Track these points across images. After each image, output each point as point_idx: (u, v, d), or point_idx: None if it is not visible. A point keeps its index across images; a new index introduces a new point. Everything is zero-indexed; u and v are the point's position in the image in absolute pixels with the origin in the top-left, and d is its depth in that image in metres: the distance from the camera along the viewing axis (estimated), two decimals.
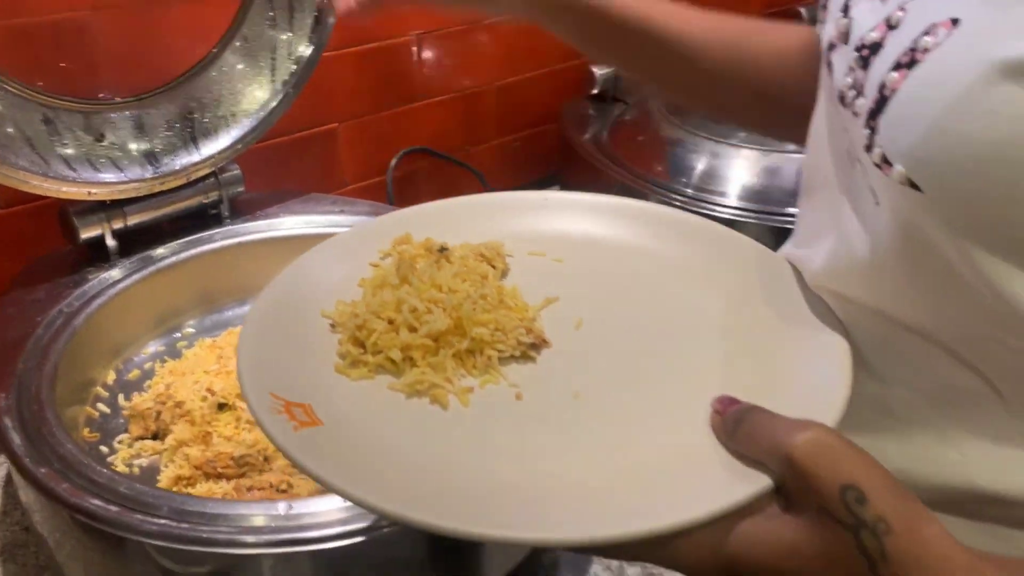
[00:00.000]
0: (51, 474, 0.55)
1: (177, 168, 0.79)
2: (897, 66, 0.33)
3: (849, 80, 0.37)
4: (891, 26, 0.35)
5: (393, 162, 1.12)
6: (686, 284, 0.47)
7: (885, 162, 0.34)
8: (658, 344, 0.44)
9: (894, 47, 0.34)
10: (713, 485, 0.34)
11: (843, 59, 0.38)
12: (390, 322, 0.42)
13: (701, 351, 0.43)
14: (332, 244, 0.50)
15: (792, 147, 0.93)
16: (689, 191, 1.00)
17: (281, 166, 1.01)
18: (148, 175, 0.77)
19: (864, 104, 0.35)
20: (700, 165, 1.01)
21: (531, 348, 0.43)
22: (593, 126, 1.18)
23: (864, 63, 0.36)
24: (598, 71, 1.20)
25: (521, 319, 0.43)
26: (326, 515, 0.52)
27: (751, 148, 0.99)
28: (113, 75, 0.80)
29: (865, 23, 0.37)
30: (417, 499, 0.33)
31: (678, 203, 0.97)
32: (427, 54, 1.10)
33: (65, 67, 0.77)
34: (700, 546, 0.33)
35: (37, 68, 0.75)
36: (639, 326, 0.45)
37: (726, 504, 0.32)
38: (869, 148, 0.35)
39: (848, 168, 0.40)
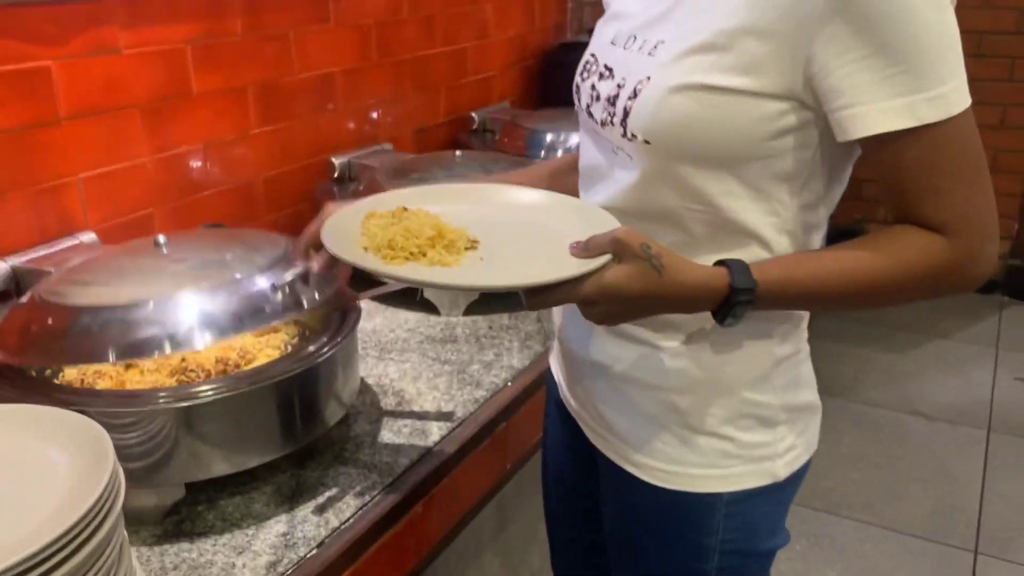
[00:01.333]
0: None
1: None
2: (631, 97, 0.82)
3: (605, 115, 0.86)
4: (619, 86, 0.85)
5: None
6: (544, 217, 0.92)
7: (634, 137, 0.82)
8: (535, 234, 0.89)
9: (624, 92, 0.83)
10: (586, 264, 0.78)
11: (598, 108, 0.88)
12: (389, 244, 0.83)
13: (556, 234, 0.85)
14: (354, 206, 0.93)
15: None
16: None
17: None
18: None
19: (617, 119, 0.84)
20: None
21: (472, 244, 0.86)
22: (338, 199, 1.68)
23: (612, 102, 0.85)
24: (336, 160, 1.71)
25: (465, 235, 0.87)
26: None
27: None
28: None
29: (604, 89, 0.87)
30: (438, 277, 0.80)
31: None
32: (214, 157, 1.56)
33: None
34: (589, 284, 0.76)
35: None
36: (520, 235, 0.89)
37: (597, 265, 0.77)
38: (624, 135, 0.83)
39: (611, 155, 0.89)
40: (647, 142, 0.81)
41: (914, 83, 0.72)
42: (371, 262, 0.81)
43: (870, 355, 3.03)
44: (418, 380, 1.29)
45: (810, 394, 0.96)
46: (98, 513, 0.68)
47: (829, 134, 0.78)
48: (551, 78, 2.47)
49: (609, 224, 0.83)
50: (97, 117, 1.34)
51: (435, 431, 1.16)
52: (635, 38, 0.86)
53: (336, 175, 1.73)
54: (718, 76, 0.77)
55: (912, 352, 3.13)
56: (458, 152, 1.75)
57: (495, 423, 1.23)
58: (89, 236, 1.31)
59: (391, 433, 1.16)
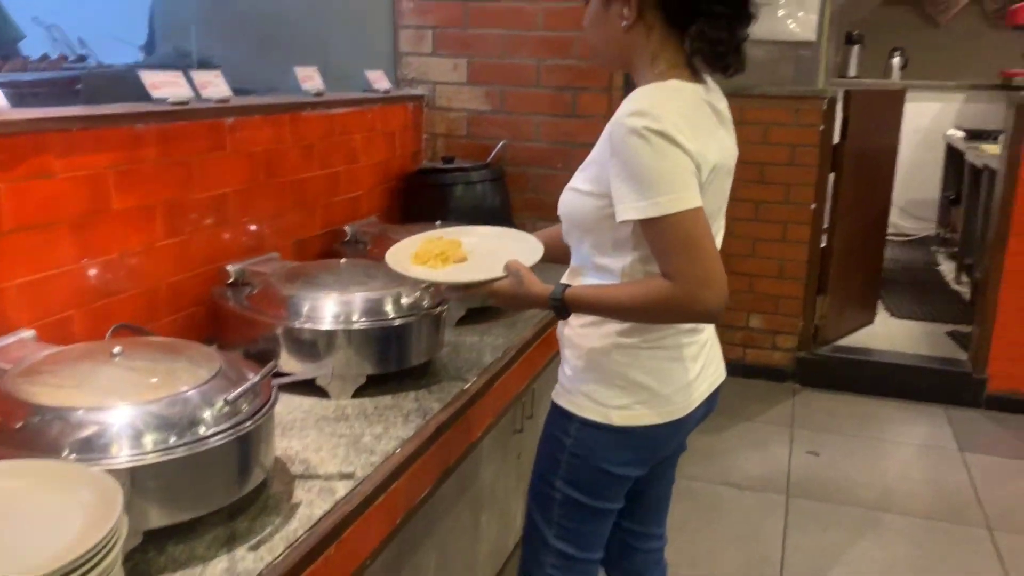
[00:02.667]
0: None
1: None
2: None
3: None
4: None
5: (108, 334, 1.74)
6: (510, 247, 1.63)
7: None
8: (497, 261, 1.55)
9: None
10: (489, 275, 1.53)
11: None
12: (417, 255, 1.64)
13: (503, 259, 1.55)
14: (407, 241, 1.72)
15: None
16: (302, 320, 1.78)
17: None
18: None
19: None
20: (306, 305, 1.80)
21: (460, 260, 1.63)
22: (234, 301, 1.92)
23: None
24: (231, 268, 1.96)
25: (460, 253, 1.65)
26: None
27: (339, 291, 1.81)
28: None
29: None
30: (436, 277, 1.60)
31: (296, 325, 1.75)
32: (126, 265, 1.77)
33: None
34: (487, 287, 1.52)
35: None
36: (493, 260, 1.57)
37: (494, 276, 1.52)
38: None
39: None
40: (559, 215, 1.51)
41: (644, 194, 1.29)
42: (402, 264, 1.61)
43: (693, 438, 3.47)
44: (320, 450, 1.54)
45: (648, 380, 1.48)
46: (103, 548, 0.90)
47: None
48: (412, 197, 2.82)
49: (534, 251, 1.60)
50: (33, 231, 1.55)
51: (340, 488, 1.41)
52: None
53: (231, 280, 1.97)
54: (579, 183, 1.45)
55: (725, 433, 3.61)
56: (343, 260, 2.04)
57: (390, 480, 1.49)
58: (29, 333, 1.50)
59: (303, 491, 1.40)
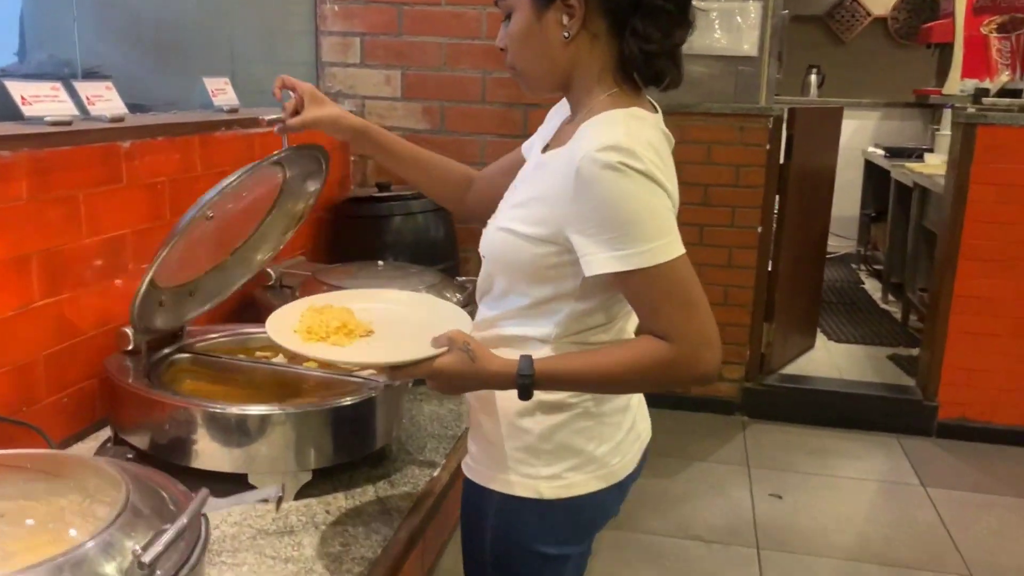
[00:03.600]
0: None
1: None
2: (485, 228, 1.25)
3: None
4: (494, 218, 1.28)
5: None
6: (426, 314, 1.33)
7: (481, 252, 1.24)
8: (411, 331, 1.23)
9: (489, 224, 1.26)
10: (428, 351, 1.15)
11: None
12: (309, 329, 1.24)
13: (424, 330, 1.19)
14: (296, 303, 1.34)
15: None
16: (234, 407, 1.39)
17: None
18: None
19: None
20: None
21: (368, 332, 1.27)
22: (133, 372, 1.51)
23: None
24: (131, 332, 1.54)
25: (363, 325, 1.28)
26: None
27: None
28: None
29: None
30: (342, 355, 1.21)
31: (218, 410, 1.36)
32: None
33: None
34: (425, 366, 1.14)
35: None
36: (404, 330, 1.27)
37: (434, 352, 1.15)
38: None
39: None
40: (484, 256, 1.24)
41: (626, 242, 1.06)
42: (292, 342, 1.21)
43: (643, 482, 3.19)
44: None
45: (582, 443, 1.22)
46: None
47: None
48: (342, 231, 2.44)
49: (462, 321, 1.28)
50: None
51: None
52: (511, 192, 1.26)
53: (130, 347, 1.56)
54: (518, 224, 1.16)
55: (678, 476, 3.34)
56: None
57: None
58: None
59: None
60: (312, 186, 1.67)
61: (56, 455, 1.08)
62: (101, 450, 1.37)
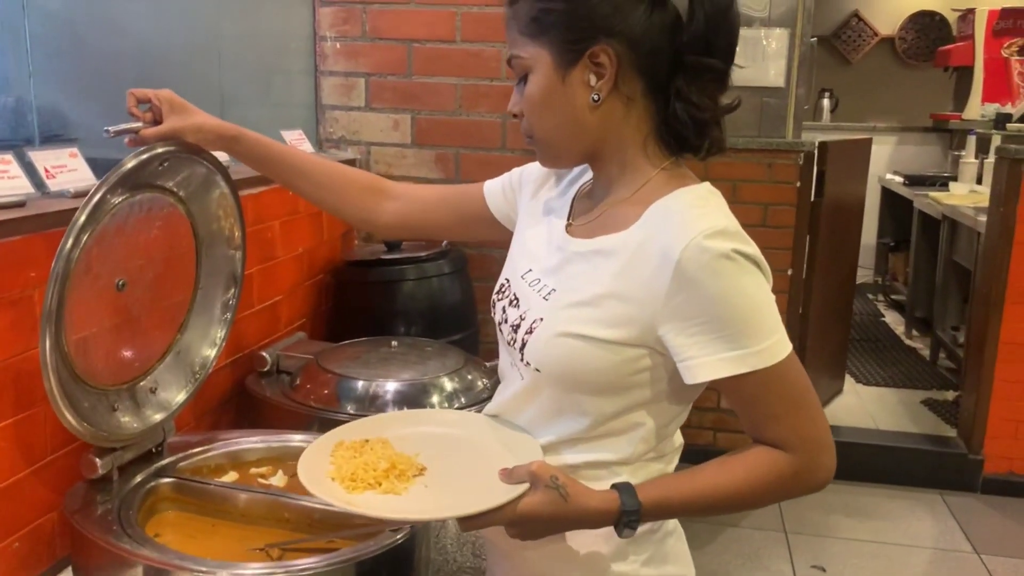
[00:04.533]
0: None
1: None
2: (528, 332, 1.03)
3: (510, 337, 1.07)
4: (521, 318, 1.05)
5: None
6: (481, 441, 1.11)
7: (528, 364, 1.03)
8: (470, 463, 1.06)
9: (524, 326, 1.04)
10: (508, 493, 0.95)
11: (506, 329, 1.08)
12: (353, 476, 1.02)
13: (485, 461, 1.03)
14: (322, 440, 1.10)
15: None
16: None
17: None
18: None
19: (517, 345, 1.05)
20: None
21: (420, 471, 1.05)
22: (101, 508, 1.23)
23: (515, 329, 1.05)
24: (99, 460, 1.26)
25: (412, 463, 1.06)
26: None
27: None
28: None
29: (511, 315, 1.07)
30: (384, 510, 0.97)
31: (205, 572, 1.09)
32: None
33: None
34: (508, 511, 0.94)
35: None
36: (461, 461, 1.09)
37: (514, 495, 0.95)
38: (521, 359, 1.04)
39: (510, 366, 1.11)
40: (538, 370, 1.03)
41: (743, 341, 0.93)
42: (336, 494, 0.99)
43: None
44: None
45: (671, 568, 1.10)
46: None
47: (678, 374, 0.99)
48: (345, 297, 2.17)
49: (533, 451, 1.04)
50: None
51: None
52: (539, 280, 1.07)
53: (99, 474, 1.27)
54: (591, 328, 0.99)
55: (709, 547, 3.07)
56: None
57: None
58: None
59: None
60: (221, 202, 1.41)
61: None
62: None
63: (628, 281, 0.97)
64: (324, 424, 1.58)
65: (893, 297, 5.90)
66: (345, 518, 1.27)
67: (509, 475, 0.98)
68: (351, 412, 1.62)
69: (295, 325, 2.05)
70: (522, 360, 1.05)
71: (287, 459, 1.45)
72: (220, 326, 1.47)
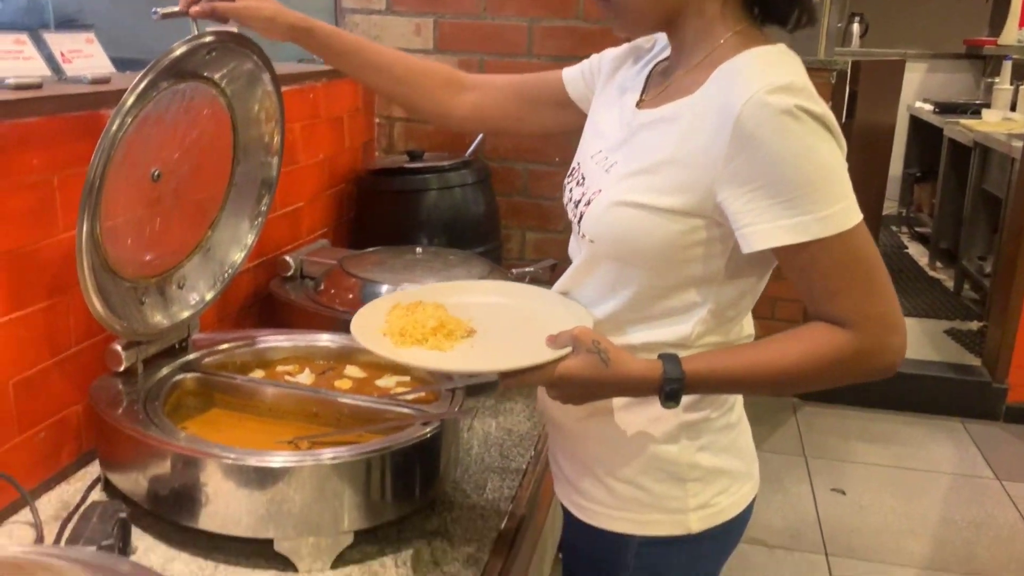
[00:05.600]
0: None
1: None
2: (586, 205, 1.03)
3: (573, 215, 1.08)
4: (584, 194, 1.05)
5: None
6: (532, 309, 1.12)
7: (583, 236, 1.04)
8: (520, 329, 1.07)
9: (584, 199, 1.04)
10: (549, 355, 0.96)
11: (570, 208, 1.09)
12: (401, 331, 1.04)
13: (539, 325, 1.02)
14: (379, 301, 1.14)
15: None
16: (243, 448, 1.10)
17: None
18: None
19: (576, 220, 1.06)
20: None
21: (469, 333, 1.06)
22: (127, 400, 1.21)
23: (576, 205, 1.06)
24: (124, 352, 1.24)
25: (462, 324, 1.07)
26: None
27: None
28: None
29: (576, 194, 1.08)
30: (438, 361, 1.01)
31: (234, 459, 1.07)
32: None
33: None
34: (547, 371, 0.96)
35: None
36: (511, 327, 1.09)
37: (553, 357, 0.96)
38: (579, 233, 1.05)
39: (576, 245, 1.10)
40: (592, 242, 1.03)
41: (805, 207, 0.88)
42: (383, 346, 1.01)
43: None
44: None
45: (730, 461, 1.09)
46: None
47: (738, 246, 0.94)
48: (367, 207, 2.12)
49: (582, 318, 1.03)
50: None
51: None
52: (605, 157, 1.05)
53: (124, 367, 1.25)
54: (647, 196, 0.96)
55: None
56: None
57: None
58: None
59: None
60: (264, 103, 1.37)
61: (7, 566, 0.77)
62: (87, 511, 1.08)
63: (688, 145, 0.94)
64: (348, 328, 1.56)
65: (917, 229, 5.81)
66: (374, 413, 1.25)
67: (555, 340, 0.98)
68: None
69: (317, 233, 2.01)
70: (579, 233, 1.05)
71: (313, 358, 1.43)
72: (250, 231, 1.44)
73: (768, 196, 0.89)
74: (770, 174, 0.88)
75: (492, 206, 2.19)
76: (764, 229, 0.89)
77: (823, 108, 0.89)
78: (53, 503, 1.21)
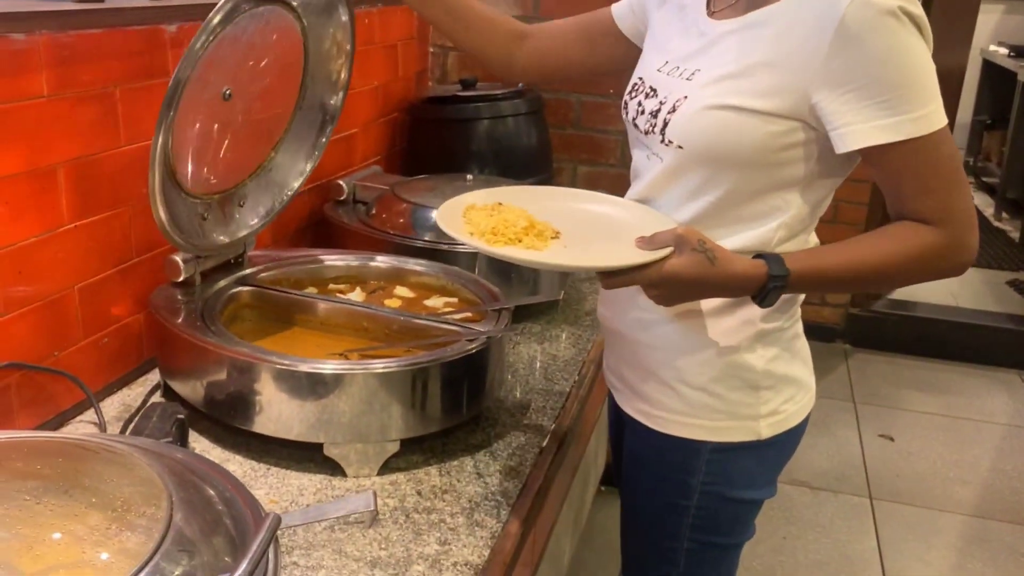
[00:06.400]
0: None
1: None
2: (670, 112, 1.04)
3: (648, 125, 1.08)
4: (661, 103, 1.07)
5: None
6: (611, 214, 1.11)
7: (670, 143, 1.04)
8: (605, 231, 1.06)
9: (665, 108, 1.05)
10: (654, 254, 0.96)
11: (643, 121, 1.10)
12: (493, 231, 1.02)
13: (622, 229, 1.04)
14: (452, 202, 1.11)
15: None
16: (296, 355, 1.13)
17: None
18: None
19: (657, 128, 1.06)
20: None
21: (556, 235, 1.05)
22: (185, 309, 1.26)
23: (654, 115, 1.07)
24: (180, 259, 1.28)
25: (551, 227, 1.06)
26: None
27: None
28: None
29: (648, 106, 1.09)
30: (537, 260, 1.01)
31: (287, 365, 1.10)
32: (7, 268, 1.09)
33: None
34: (653, 270, 0.96)
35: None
36: (596, 230, 1.08)
37: (662, 255, 0.96)
38: (662, 141, 1.05)
39: (645, 160, 1.12)
40: (680, 147, 1.04)
41: (900, 106, 0.92)
42: (479, 244, 1.00)
43: None
44: None
45: (798, 369, 1.14)
46: None
47: (829, 149, 0.98)
48: (420, 136, 2.13)
49: (666, 223, 1.04)
50: None
51: None
52: (677, 68, 1.08)
53: (182, 277, 1.29)
54: (740, 98, 0.98)
55: None
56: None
57: None
58: None
59: None
60: (336, 36, 1.38)
61: (74, 446, 0.81)
62: (148, 411, 1.13)
63: (783, 47, 0.97)
64: (399, 250, 1.58)
65: (984, 179, 5.62)
66: (423, 330, 1.27)
67: (649, 241, 0.99)
68: (427, 239, 1.61)
69: (371, 161, 2.03)
70: (663, 141, 1.05)
71: (365, 278, 1.45)
72: (310, 158, 1.44)
73: (866, 96, 0.92)
74: (869, 74, 0.91)
75: (544, 137, 2.18)
76: (861, 129, 0.93)
77: (919, 10, 0.93)
78: (116, 405, 1.27)
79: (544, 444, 1.24)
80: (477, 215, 1.07)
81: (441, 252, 1.55)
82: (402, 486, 1.12)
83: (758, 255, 0.99)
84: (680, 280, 0.96)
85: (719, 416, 1.11)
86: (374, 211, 1.72)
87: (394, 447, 1.15)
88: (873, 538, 2.42)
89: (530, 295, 1.61)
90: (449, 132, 2.08)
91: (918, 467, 2.79)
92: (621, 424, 1.26)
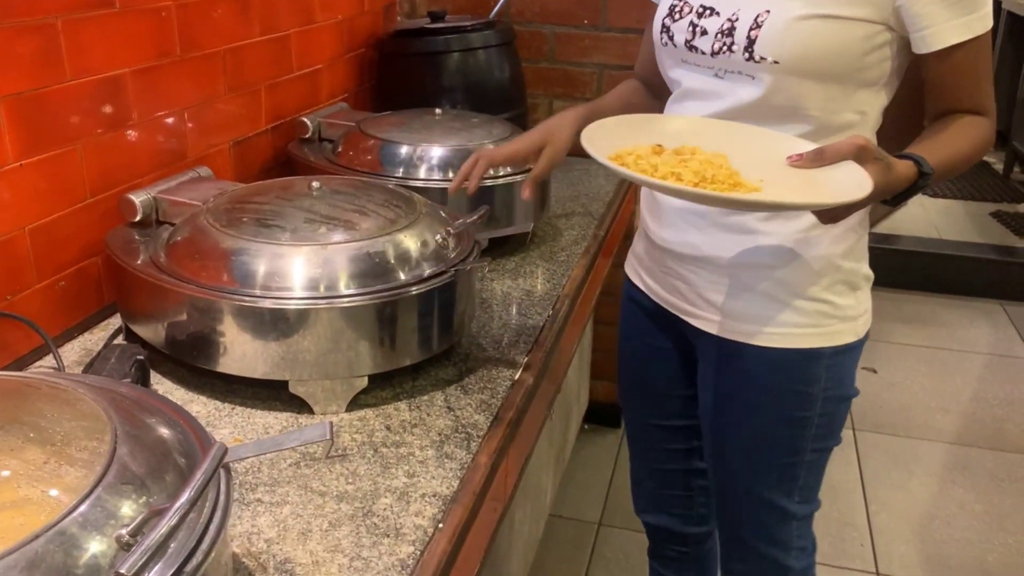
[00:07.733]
0: None
1: None
2: (753, 28, 1.06)
3: (720, 45, 1.10)
4: (732, 20, 1.09)
5: None
6: (763, 145, 1.04)
7: (762, 59, 1.06)
8: (763, 163, 1.00)
9: (743, 24, 1.07)
10: (862, 184, 0.93)
11: (705, 41, 1.12)
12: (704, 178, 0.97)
13: (776, 159, 1.01)
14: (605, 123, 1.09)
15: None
16: (257, 292, 1.09)
17: None
18: None
19: (739, 47, 1.08)
20: (262, 267, 1.11)
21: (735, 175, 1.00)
22: (144, 251, 1.22)
23: (728, 33, 1.09)
24: (136, 199, 1.24)
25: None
26: None
27: (308, 244, 1.12)
28: None
29: (711, 25, 1.11)
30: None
31: (249, 302, 1.07)
32: None
33: None
34: (865, 201, 0.95)
35: None
36: (760, 160, 1.01)
37: (870, 186, 0.92)
38: (750, 59, 1.07)
39: (715, 79, 1.13)
40: (776, 62, 1.06)
41: (971, 6, 1.01)
42: (722, 195, 0.93)
43: None
44: (308, 536, 0.89)
45: (865, 268, 1.21)
46: None
47: (903, 50, 1.07)
48: (388, 71, 2.07)
49: (796, 142, 1.03)
50: None
51: None
52: None
53: (139, 217, 1.25)
54: (831, 7, 1.03)
55: None
56: (315, 183, 1.30)
57: None
58: None
59: None
60: None
61: (15, 382, 0.78)
62: (106, 353, 1.10)
63: None
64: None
65: None
66: None
67: (819, 155, 0.96)
68: (397, 175, 1.56)
69: (337, 99, 1.97)
70: (750, 59, 1.07)
71: None
72: None
73: (941, 1, 1.00)
74: None
75: (517, 71, 2.12)
76: (942, 29, 1.01)
77: None
78: (76, 350, 1.24)
79: (517, 376, 1.21)
80: (672, 161, 0.99)
81: (409, 189, 1.51)
82: (371, 421, 1.09)
83: (903, 155, 1.01)
84: (877, 192, 0.96)
85: (832, 321, 1.17)
86: (340, 148, 1.67)
87: (362, 383, 1.12)
88: (856, 468, 2.44)
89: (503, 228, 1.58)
90: (419, 67, 2.02)
91: (900, 398, 2.80)
92: (694, 361, 1.31)
